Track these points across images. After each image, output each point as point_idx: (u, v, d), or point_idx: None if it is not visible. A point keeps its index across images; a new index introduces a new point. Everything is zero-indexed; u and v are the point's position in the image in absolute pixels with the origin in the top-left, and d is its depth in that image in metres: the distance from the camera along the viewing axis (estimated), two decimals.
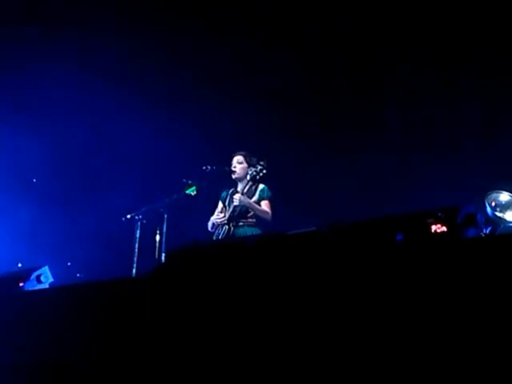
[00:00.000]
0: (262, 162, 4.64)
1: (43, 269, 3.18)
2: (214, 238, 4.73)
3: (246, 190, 4.71)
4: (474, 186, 4.30)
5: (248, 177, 4.67)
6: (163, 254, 4.86)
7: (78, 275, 6.31)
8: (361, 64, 5.82)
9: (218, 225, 4.78)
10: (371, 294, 1.92)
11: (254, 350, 2.05)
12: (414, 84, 5.55)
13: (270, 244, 2.36)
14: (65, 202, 6.76)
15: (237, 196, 4.64)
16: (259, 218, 4.68)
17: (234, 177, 4.86)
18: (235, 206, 4.65)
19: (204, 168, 4.77)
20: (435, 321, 1.79)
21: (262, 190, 4.77)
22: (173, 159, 6.30)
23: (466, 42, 5.21)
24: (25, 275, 3.13)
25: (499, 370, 1.65)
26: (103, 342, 2.48)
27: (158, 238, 4.96)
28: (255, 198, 4.73)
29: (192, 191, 4.87)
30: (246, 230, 4.64)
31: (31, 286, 3.10)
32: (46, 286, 3.15)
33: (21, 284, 3.08)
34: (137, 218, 5.08)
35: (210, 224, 4.89)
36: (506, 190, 2.97)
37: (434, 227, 2.03)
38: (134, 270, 4.89)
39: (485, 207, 2.81)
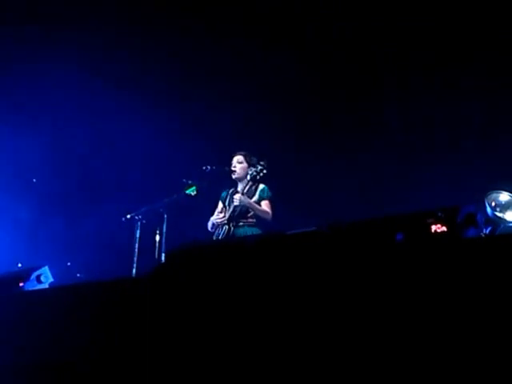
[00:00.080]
0: (262, 162, 4.63)
1: (43, 269, 3.18)
2: (214, 238, 4.73)
3: (246, 190, 4.71)
4: (474, 185, 4.29)
5: (248, 177, 4.67)
6: (163, 254, 4.86)
7: (78, 275, 6.31)
8: (361, 64, 5.82)
9: (218, 225, 4.78)
10: (371, 293, 1.92)
11: (254, 350, 2.05)
12: (414, 84, 5.55)
13: (270, 244, 2.36)
14: (65, 202, 6.76)
15: (237, 196, 4.64)
16: (259, 218, 4.68)
17: (234, 177, 4.85)
18: (235, 206, 4.65)
19: (204, 168, 4.77)
20: (435, 321, 1.79)
21: (262, 190, 4.77)
22: (173, 159, 6.30)
23: (466, 42, 5.21)
24: (25, 275, 3.14)
25: (499, 369, 1.65)
26: (103, 341, 2.48)
27: (157, 238, 4.96)
28: (255, 197, 4.73)
29: (192, 191, 4.86)
30: (246, 230, 4.64)
31: (31, 285, 3.10)
32: (46, 286, 3.15)
33: (21, 284, 3.08)
34: (137, 218, 5.08)
35: (209, 224, 4.89)
36: (506, 190, 2.97)
37: (434, 227, 2.02)
38: (134, 270, 4.89)
39: (485, 207, 2.81)
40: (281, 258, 2.20)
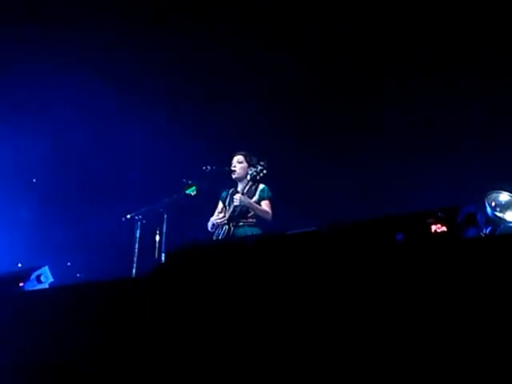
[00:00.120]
0: (262, 162, 4.63)
1: (43, 269, 3.18)
2: (214, 238, 4.73)
3: (246, 190, 4.71)
4: (474, 185, 4.30)
5: (248, 177, 4.67)
6: (163, 254, 4.86)
7: (78, 275, 6.31)
8: (361, 64, 5.82)
9: (218, 225, 4.78)
10: (371, 293, 1.92)
11: (254, 350, 2.05)
12: (414, 84, 5.55)
13: (270, 244, 2.36)
14: (65, 201, 6.76)
15: (237, 196, 4.64)
16: (259, 218, 4.68)
17: (234, 177, 4.85)
18: (235, 206, 4.65)
19: (204, 168, 4.77)
20: (435, 321, 1.79)
21: (262, 190, 4.77)
22: (173, 159, 6.30)
23: (466, 42, 5.21)
24: (25, 275, 3.13)
25: (499, 369, 1.65)
26: (103, 341, 2.48)
27: (157, 238, 4.96)
28: (255, 197, 4.73)
29: (192, 191, 4.86)
30: (246, 230, 4.64)
31: (31, 285, 3.09)
32: (46, 286, 3.15)
33: (21, 284, 3.08)
34: (137, 218, 5.08)
35: (209, 224, 4.89)
36: (506, 190, 2.97)
37: (434, 227, 2.02)
38: (133, 270, 4.89)
39: (485, 207, 2.81)
40: (281, 258, 2.20)
